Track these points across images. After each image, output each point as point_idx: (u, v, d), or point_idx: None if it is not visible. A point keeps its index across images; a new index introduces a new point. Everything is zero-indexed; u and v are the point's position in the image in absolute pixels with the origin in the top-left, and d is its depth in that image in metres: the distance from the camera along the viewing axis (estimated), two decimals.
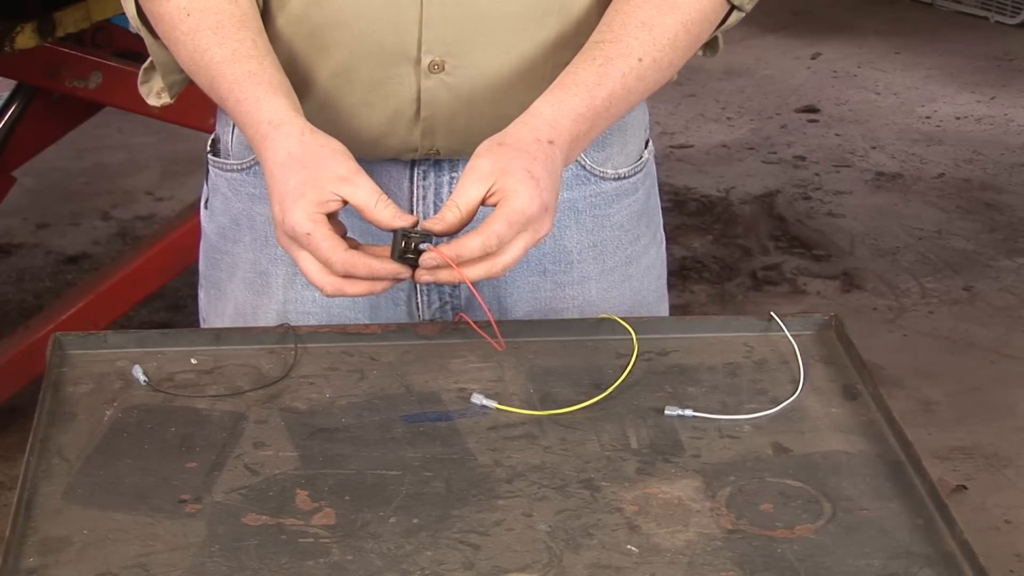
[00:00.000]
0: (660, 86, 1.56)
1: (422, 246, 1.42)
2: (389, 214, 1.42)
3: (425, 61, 1.54)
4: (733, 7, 1.57)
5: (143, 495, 1.32)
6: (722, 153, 4.94)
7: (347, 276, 1.41)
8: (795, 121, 5.21)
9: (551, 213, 1.44)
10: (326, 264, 1.41)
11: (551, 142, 1.46)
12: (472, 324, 1.53)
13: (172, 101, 1.65)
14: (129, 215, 4.40)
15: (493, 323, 1.50)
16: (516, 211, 1.41)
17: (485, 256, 1.41)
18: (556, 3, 1.55)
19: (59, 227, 4.31)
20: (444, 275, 1.42)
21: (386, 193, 1.62)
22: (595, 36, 1.53)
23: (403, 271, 1.42)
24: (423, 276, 1.43)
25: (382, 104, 1.57)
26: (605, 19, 1.54)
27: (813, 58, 5.76)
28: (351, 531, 1.28)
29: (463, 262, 1.41)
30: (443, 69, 1.55)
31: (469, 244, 1.40)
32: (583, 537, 1.27)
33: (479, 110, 1.57)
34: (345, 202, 1.42)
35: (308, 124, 1.46)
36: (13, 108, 3.36)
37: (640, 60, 1.52)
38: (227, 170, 1.70)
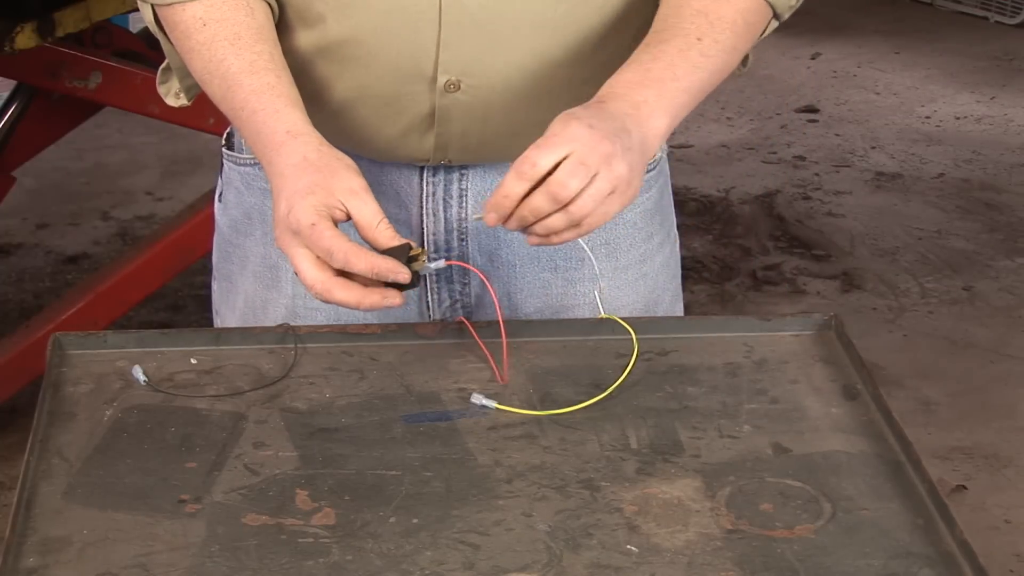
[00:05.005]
0: (730, 67, 1.54)
1: (414, 265, 1.43)
2: (388, 236, 1.43)
3: (441, 80, 1.54)
4: (773, 15, 1.57)
5: (143, 495, 1.32)
6: (722, 153, 4.95)
7: (344, 270, 1.41)
8: (795, 121, 5.21)
9: (620, 152, 1.39)
10: (327, 254, 1.40)
11: (601, 101, 1.45)
12: (473, 332, 1.53)
13: (189, 103, 1.66)
14: (129, 215, 4.40)
15: (504, 346, 1.50)
16: (544, 136, 1.39)
17: (558, 207, 1.39)
18: (572, 21, 1.55)
19: (59, 227, 4.31)
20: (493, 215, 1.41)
21: (396, 189, 1.64)
22: (649, 34, 1.52)
23: (402, 270, 1.41)
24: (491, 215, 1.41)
25: (395, 118, 1.58)
26: (658, 16, 1.53)
27: (813, 58, 5.76)
28: (351, 531, 1.28)
29: (537, 220, 1.40)
30: (459, 88, 1.55)
31: (505, 181, 1.39)
32: (583, 537, 1.27)
33: (493, 127, 1.57)
34: (348, 217, 1.43)
35: (323, 139, 1.48)
36: (13, 108, 3.36)
37: (699, 40, 1.50)
38: (241, 164, 1.71)
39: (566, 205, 1.38)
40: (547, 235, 1.41)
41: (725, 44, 1.51)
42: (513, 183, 1.39)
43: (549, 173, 1.38)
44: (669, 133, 1.48)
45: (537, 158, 1.38)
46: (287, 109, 1.48)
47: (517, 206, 1.40)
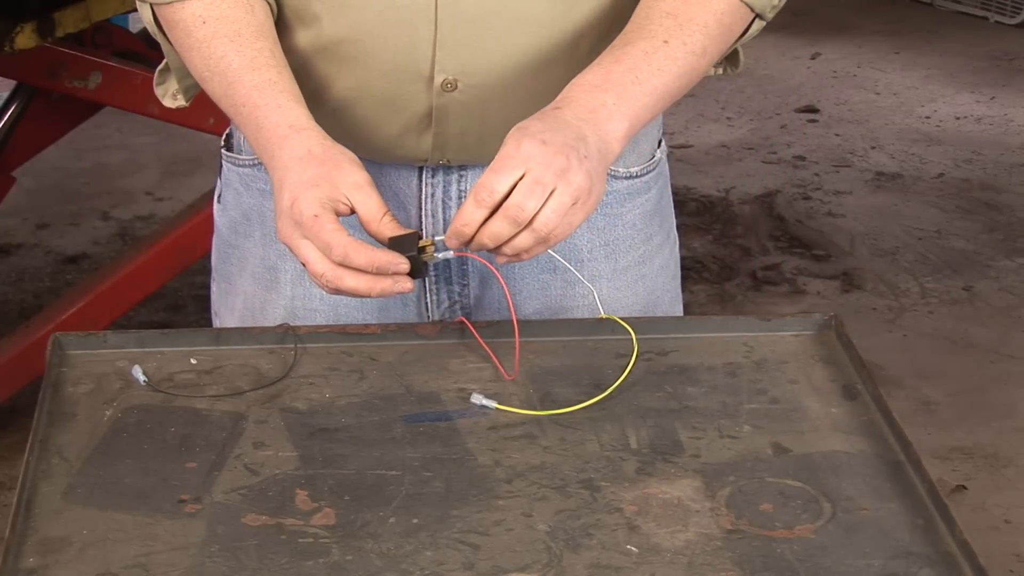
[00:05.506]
0: (701, 70, 1.54)
1: (423, 256, 1.42)
2: (392, 228, 1.43)
3: (438, 80, 1.55)
4: (756, 16, 1.57)
5: (143, 495, 1.32)
6: (722, 153, 4.95)
7: (343, 265, 1.41)
8: (795, 121, 5.21)
9: (576, 164, 1.40)
10: (326, 248, 1.40)
11: (557, 108, 1.45)
12: (474, 331, 1.53)
13: (187, 104, 1.66)
14: (129, 215, 4.40)
15: (516, 337, 1.50)
16: (499, 158, 1.40)
17: (520, 227, 1.40)
18: (569, 20, 1.55)
19: (59, 227, 4.31)
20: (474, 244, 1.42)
21: (395, 190, 1.64)
22: (618, 37, 1.52)
23: (402, 261, 1.41)
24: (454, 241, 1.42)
25: (394, 118, 1.58)
26: (630, 19, 1.53)
27: (813, 58, 5.76)
28: (351, 531, 1.28)
29: (503, 243, 1.41)
30: (456, 88, 1.55)
31: (464, 208, 1.40)
32: (583, 537, 1.27)
33: (490, 126, 1.57)
34: (352, 211, 1.43)
35: (326, 134, 1.48)
36: (13, 108, 3.36)
37: (666, 42, 1.50)
38: (240, 165, 1.71)
39: (530, 224, 1.39)
40: (516, 254, 1.42)
41: (694, 47, 1.51)
42: (472, 210, 1.40)
43: (508, 194, 1.39)
44: (632, 135, 1.48)
45: (494, 184, 1.39)
46: (289, 104, 1.49)
47: (477, 231, 1.40)
